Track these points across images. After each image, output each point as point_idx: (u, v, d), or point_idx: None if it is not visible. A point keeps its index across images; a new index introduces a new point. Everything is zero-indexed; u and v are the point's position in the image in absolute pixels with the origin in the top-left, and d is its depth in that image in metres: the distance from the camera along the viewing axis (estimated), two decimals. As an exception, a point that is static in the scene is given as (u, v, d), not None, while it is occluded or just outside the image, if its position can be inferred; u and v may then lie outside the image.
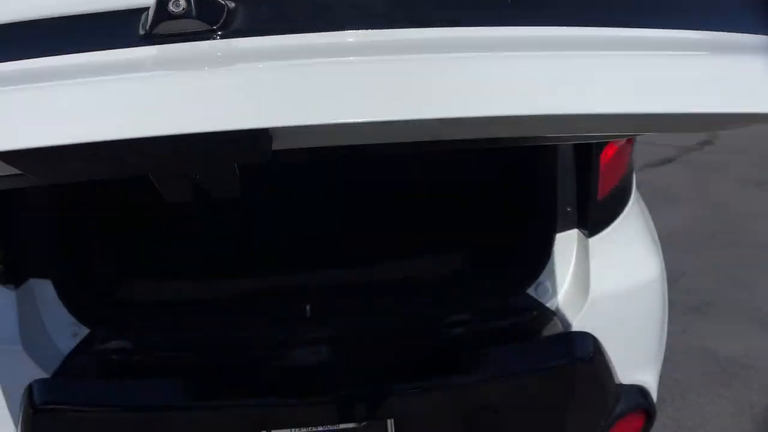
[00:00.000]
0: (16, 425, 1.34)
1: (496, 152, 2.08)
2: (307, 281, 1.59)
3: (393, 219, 2.06)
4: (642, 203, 1.63)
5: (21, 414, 1.29)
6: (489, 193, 2.10)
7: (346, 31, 0.61)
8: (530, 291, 1.41)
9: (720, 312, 2.87)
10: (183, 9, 0.56)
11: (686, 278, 3.17)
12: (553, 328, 1.38)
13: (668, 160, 5.33)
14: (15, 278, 1.37)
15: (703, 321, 2.79)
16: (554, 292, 1.41)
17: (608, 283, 1.40)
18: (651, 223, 1.60)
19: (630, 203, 1.49)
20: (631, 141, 1.47)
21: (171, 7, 0.56)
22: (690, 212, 4.11)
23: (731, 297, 2.99)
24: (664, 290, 1.48)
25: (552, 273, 1.42)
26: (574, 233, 1.44)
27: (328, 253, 1.86)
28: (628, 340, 1.40)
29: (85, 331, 1.38)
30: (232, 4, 0.59)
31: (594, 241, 1.42)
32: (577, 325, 1.37)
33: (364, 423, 1.21)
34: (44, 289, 1.39)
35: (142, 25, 0.59)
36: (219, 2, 0.58)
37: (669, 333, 1.54)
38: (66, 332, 1.38)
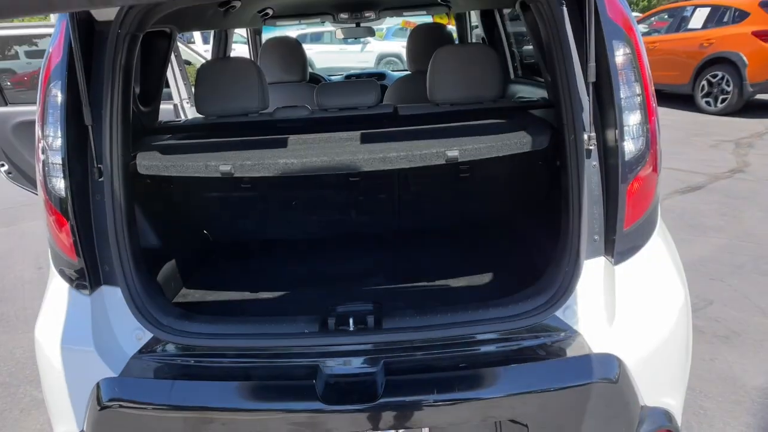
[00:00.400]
0: (83, 420, 1.48)
1: (528, 181, 2.19)
2: (349, 301, 1.71)
3: (432, 242, 2.19)
4: (667, 232, 1.70)
5: (87, 410, 1.43)
6: (522, 220, 2.20)
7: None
8: (558, 313, 1.49)
9: (748, 341, 2.87)
10: None
11: (714, 307, 3.17)
12: (580, 350, 1.46)
13: (697, 188, 5.32)
14: (90, 285, 1.53)
15: (731, 350, 2.79)
16: (581, 316, 1.49)
17: (633, 309, 1.47)
18: (675, 252, 1.67)
19: (655, 233, 1.57)
20: (656, 171, 1.55)
21: None
22: (718, 240, 4.10)
23: (760, 326, 2.99)
24: (688, 316, 1.55)
25: (579, 297, 1.50)
26: (601, 261, 1.52)
27: (369, 271, 1.99)
28: (652, 364, 1.46)
29: (148, 335, 1.52)
30: None
31: (620, 268, 1.50)
32: (603, 347, 1.44)
33: (401, 431, 1.32)
34: (114, 296, 1.54)
35: None
36: None
37: (697, 361, 1.58)
38: (131, 336, 1.52)
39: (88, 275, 1.52)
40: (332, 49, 12.48)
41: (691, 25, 8.65)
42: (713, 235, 4.22)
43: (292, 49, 3.20)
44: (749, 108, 8.27)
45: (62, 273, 1.58)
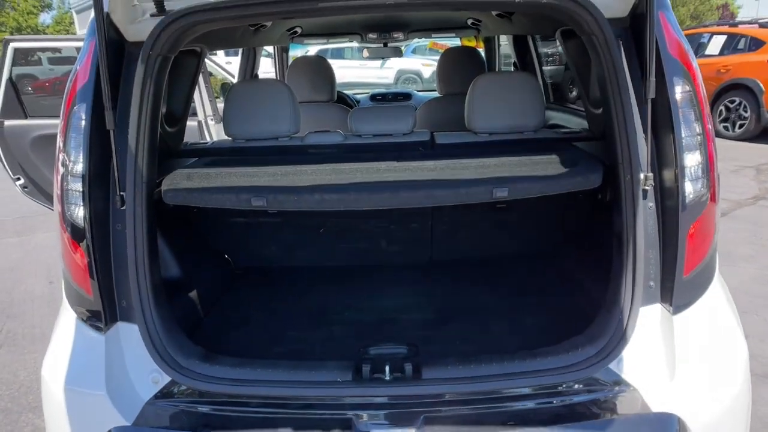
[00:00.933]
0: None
1: (569, 215, 2.08)
2: (382, 342, 1.60)
3: (467, 276, 2.07)
4: (721, 277, 1.58)
5: None
6: (563, 257, 2.08)
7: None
8: (612, 366, 1.37)
9: (787, 382, 2.70)
10: None
11: (750, 342, 3.01)
12: (637, 407, 1.33)
13: (722, 214, 5.17)
14: (106, 322, 1.42)
15: (769, 390, 2.63)
16: (638, 369, 1.37)
17: (696, 364, 1.35)
18: (731, 298, 1.55)
19: (715, 279, 1.45)
20: (715, 214, 1.44)
21: None
22: (748, 270, 3.95)
23: (799, 366, 2.83)
24: (749, 370, 1.42)
25: (635, 348, 1.37)
26: (657, 308, 1.40)
27: (401, 307, 1.87)
28: (715, 425, 1.33)
29: (166, 379, 1.40)
30: None
31: (679, 318, 1.38)
32: (662, 406, 1.32)
33: None
34: (130, 334, 1.43)
35: None
36: None
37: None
38: (147, 379, 1.41)
39: (103, 312, 1.42)
40: (353, 64, 12.52)
41: (708, 51, 8.65)
42: (743, 264, 4.07)
43: (321, 69, 3.14)
44: (767, 134, 8.22)
45: (75, 306, 1.47)
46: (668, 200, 1.38)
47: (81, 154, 1.38)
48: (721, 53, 8.49)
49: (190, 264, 1.92)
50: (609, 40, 1.34)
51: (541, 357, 1.40)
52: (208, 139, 3.26)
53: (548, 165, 1.60)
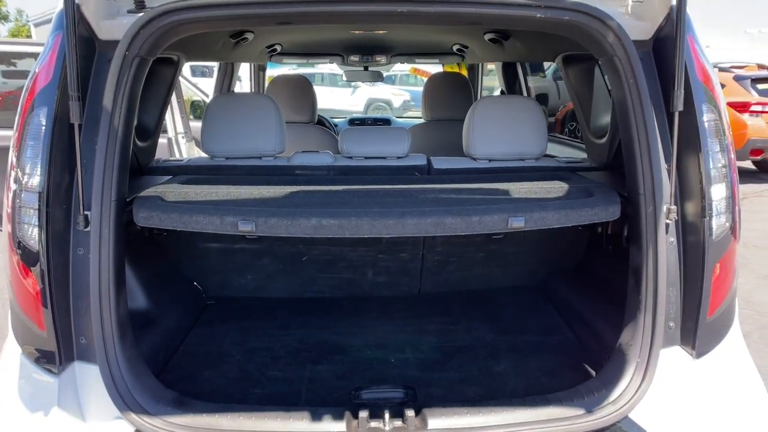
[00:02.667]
0: None
1: (569, 246, 1.99)
2: (375, 384, 1.45)
3: (460, 311, 1.94)
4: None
5: None
6: (563, 289, 1.98)
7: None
8: (632, 415, 1.25)
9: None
10: None
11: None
12: None
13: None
14: (60, 362, 1.21)
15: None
16: (658, 419, 1.26)
17: (719, 414, 1.25)
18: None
19: (735, 321, 1.38)
20: (736, 251, 1.36)
21: None
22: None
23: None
24: None
25: (656, 396, 1.27)
26: (677, 351, 1.31)
27: (391, 344, 1.72)
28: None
29: (129, 430, 1.20)
30: None
31: (702, 362, 1.29)
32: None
33: None
34: (88, 376, 1.22)
35: None
36: None
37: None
38: (108, 429, 1.20)
39: (58, 350, 1.21)
40: (323, 90, 12.46)
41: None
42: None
43: (303, 88, 3.00)
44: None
45: (22, 343, 1.26)
46: (691, 235, 1.30)
47: (39, 166, 1.19)
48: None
49: (157, 294, 1.71)
50: (633, 62, 1.27)
51: (555, 404, 1.27)
52: (179, 157, 3.06)
53: (562, 194, 1.51)
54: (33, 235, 1.19)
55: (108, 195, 1.23)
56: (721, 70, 8.01)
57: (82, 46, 1.22)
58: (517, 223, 1.33)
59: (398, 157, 1.82)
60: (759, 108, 7.41)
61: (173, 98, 2.71)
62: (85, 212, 1.22)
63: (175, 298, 1.83)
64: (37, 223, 1.19)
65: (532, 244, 2.04)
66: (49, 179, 1.19)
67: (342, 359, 1.63)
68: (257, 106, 1.80)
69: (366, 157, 1.82)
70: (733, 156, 1.31)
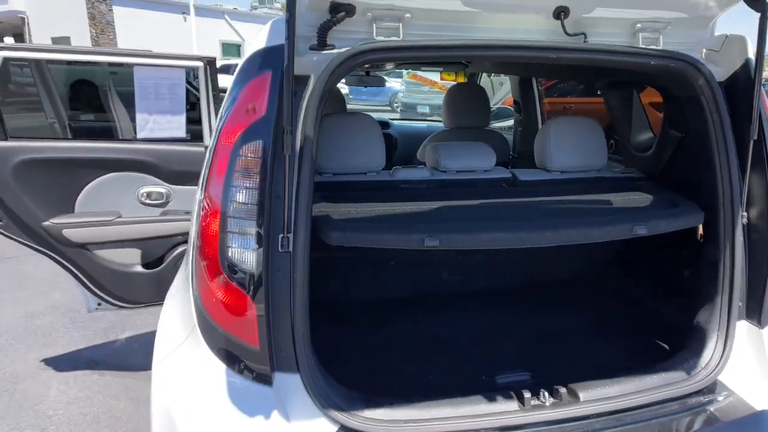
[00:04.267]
0: None
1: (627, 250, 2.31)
2: (503, 370, 1.67)
3: (530, 301, 2.22)
4: None
5: None
6: (629, 289, 2.31)
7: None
8: (721, 377, 1.61)
9: None
10: None
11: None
12: (742, 409, 1.58)
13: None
14: (272, 372, 1.33)
15: None
16: (738, 377, 1.63)
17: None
18: None
19: None
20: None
21: None
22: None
23: None
24: None
25: (735, 360, 1.63)
26: (745, 325, 1.69)
27: (493, 335, 1.96)
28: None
29: (331, 428, 1.35)
30: None
31: (765, 331, 1.68)
32: (761, 405, 1.58)
33: None
34: (290, 385, 1.35)
35: None
36: None
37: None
38: (313, 424, 1.34)
39: (271, 364, 1.33)
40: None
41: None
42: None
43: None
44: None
45: (232, 362, 1.35)
46: (754, 233, 1.68)
47: (256, 194, 1.29)
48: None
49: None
50: (719, 101, 1.61)
51: (664, 371, 1.60)
52: None
53: (651, 203, 1.84)
54: (251, 260, 1.30)
55: (304, 215, 1.35)
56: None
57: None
58: (641, 231, 1.63)
59: (484, 170, 2.05)
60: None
61: (211, 102, 2.67)
62: (288, 234, 1.34)
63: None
64: (255, 248, 1.30)
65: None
66: (264, 206, 1.30)
67: (456, 351, 1.85)
68: (363, 124, 1.94)
69: (457, 171, 2.03)
70: None
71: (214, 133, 1.45)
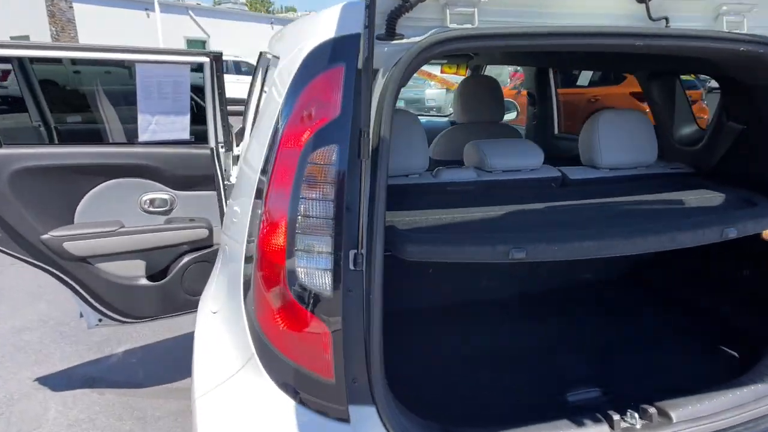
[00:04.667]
0: None
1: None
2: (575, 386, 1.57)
3: (572, 306, 2.11)
4: None
5: None
6: (669, 289, 2.23)
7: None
8: None
9: None
10: None
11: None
12: None
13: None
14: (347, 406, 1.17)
15: None
16: None
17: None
18: None
19: None
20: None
21: None
22: None
23: None
24: None
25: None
26: None
27: (545, 344, 1.84)
28: None
29: None
30: None
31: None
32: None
33: None
34: (370, 420, 1.20)
35: None
36: None
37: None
38: None
39: (347, 396, 1.17)
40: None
41: (579, 82, 9.96)
42: None
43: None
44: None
45: (302, 397, 1.19)
46: None
47: (332, 207, 1.13)
48: (590, 84, 9.81)
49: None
50: None
51: (749, 384, 1.50)
52: (218, 171, 2.77)
53: (726, 202, 1.74)
54: (326, 282, 1.13)
55: (383, 231, 1.19)
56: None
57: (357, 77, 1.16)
58: (731, 234, 1.51)
59: (531, 170, 1.93)
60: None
61: (217, 100, 2.45)
62: (361, 251, 1.17)
63: None
64: (327, 267, 1.13)
65: None
66: (338, 219, 1.13)
67: (522, 364, 1.72)
68: (406, 122, 1.79)
69: (503, 171, 1.90)
70: None
71: (262, 137, 1.27)
